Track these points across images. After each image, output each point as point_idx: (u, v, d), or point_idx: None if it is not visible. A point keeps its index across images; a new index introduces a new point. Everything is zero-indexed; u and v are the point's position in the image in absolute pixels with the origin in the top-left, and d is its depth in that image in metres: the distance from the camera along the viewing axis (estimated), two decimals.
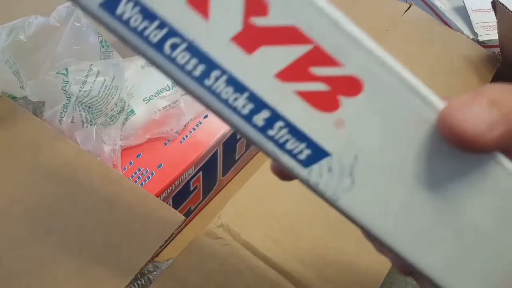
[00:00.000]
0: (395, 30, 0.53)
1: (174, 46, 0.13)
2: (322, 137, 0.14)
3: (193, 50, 0.13)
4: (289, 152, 0.14)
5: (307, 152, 0.14)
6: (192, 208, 0.44)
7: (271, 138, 0.14)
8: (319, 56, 0.13)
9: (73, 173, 0.32)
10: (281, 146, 0.14)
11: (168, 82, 0.40)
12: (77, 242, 0.28)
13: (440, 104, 0.14)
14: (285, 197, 0.34)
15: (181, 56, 0.13)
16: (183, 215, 0.30)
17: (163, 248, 0.31)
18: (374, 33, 0.57)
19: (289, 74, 0.13)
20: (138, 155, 0.39)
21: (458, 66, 0.52)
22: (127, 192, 0.31)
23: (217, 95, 0.13)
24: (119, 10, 0.12)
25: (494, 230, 0.15)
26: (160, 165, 0.39)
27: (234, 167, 0.48)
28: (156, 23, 0.13)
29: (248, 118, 0.14)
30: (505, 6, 0.49)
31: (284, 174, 0.19)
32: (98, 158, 0.36)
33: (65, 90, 0.35)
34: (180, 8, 0.13)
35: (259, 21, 0.13)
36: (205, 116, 0.43)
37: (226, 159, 0.45)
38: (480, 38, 0.57)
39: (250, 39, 0.13)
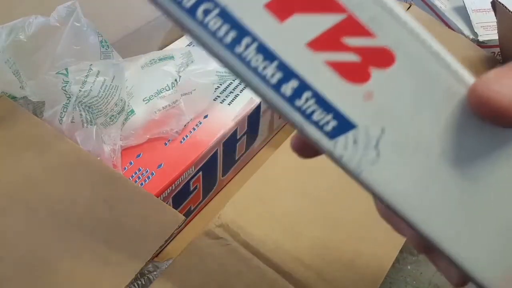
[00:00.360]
0: None
1: (206, 12, 0.13)
2: (350, 108, 0.14)
3: (226, 16, 0.13)
4: (316, 123, 0.14)
5: (333, 123, 0.14)
6: (192, 208, 0.44)
7: (298, 109, 0.14)
8: (353, 26, 0.13)
9: (73, 173, 0.32)
10: (308, 116, 0.14)
11: (168, 82, 0.40)
12: (77, 242, 0.28)
13: (471, 79, 0.14)
14: (285, 197, 0.34)
15: (213, 22, 0.13)
16: (183, 215, 0.30)
17: (163, 248, 0.31)
18: None
19: (320, 43, 0.13)
20: (138, 155, 0.39)
21: None
22: (127, 192, 0.31)
23: (247, 63, 0.13)
24: None
25: None
26: (160, 165, 0.39)
27: (234, 167, 0.48)
28: None
29: (276, 87, 0.14)
30: (505, 6, 0.49)
31: (304, 150, 0.19)
32: (98, 158, 0.36)
33: (65, 90, 0.35)
34: None
35: None
36: (205, 116, 0.43)
37: (226, 159, 0.45)
38: (480, 38, 0.57)
39: (283, 6, 0.13)
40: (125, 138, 0.39)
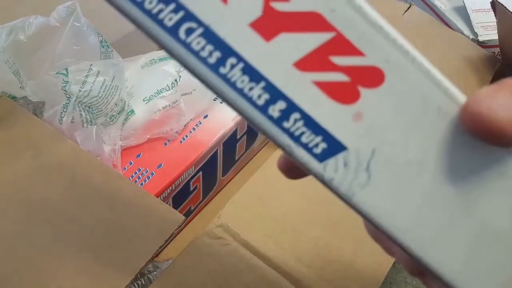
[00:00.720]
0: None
1: (189, 31, 0.12)
2: (340, 130, 0.13)
3: (210, 35, 0.12)
4: (305, 146, 0.13)
5: (323, 145, 0.13)
6: (192, 208, 0.44)
7: (286, 131, 0.13)
8: (341, 45, 0.13)
9: (73, 173, 0.32)
10: (296, 139, 0.13)
11: (168, 82, 0.40)
12: (77, 242, 0.28)
13: (462, 97, 0.14)
14: (285, 197, 0.34)
15: (196, 41, 0.12)
16: (183, 215, 0.30)
17: (163, 248, 0.31)
18: None
19: (308, 63, 0.13)
20: (138, 155, 0.39)
21: (458, 67, 0.52)
22: (127, 192, 0.31)
23: (232, 84, 0.13)
24: None
25: None
26: (160, 165, 0.39)
27: (234, 167, 0.48)
28: (171, 6, 0.12)
29: (264, 109, 0.13)
30: (505, 7, 0.49)
31: (291, 171, 0.18)
32: (98, 158, 0.36)
33: (65, 90, 0.35)
34: None
35: (280, 6, 0.12)
36: (205, 116, 0.43)
37: (226, 159, 0.45)
38: (480, 38, 0.58)
39: (269, 25, 0.12)
40: (125, 138, 0.39)
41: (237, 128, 0.43)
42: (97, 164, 0.33)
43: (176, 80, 0.40)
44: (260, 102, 0.13)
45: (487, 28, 0.58)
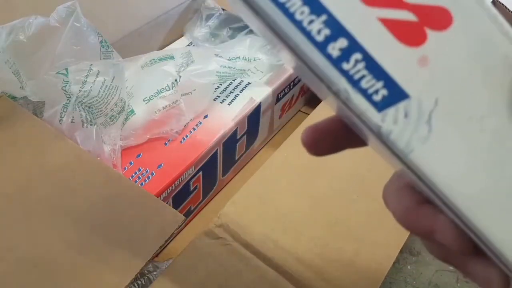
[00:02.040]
0: None
1: None
2: (404, 75, 0.12)
3: None
4: (364, 92, 0.12)
5: (383, 92, 0.12)
6: (192, 208, 0.44)
7: (345, 73, 0.12)
8: None
9: (73, 173, 0.32)
10: (356, 83, 0.12)
11: (168, 82, 0.40)
12: (77, 242, 0.28)
13: None
14: (285, 197, 0.34)
15: None
16: (183, 215, 0.30)
17: (163, 248, 0.31)
18: None
19: None
20: (138, 155, 0.39)
21: None
22: (127, 192, 0.31)
23: (290, 15, 0.12)
24: None
25: None
26: (160, 165, 0.39)
27: (234, 167, 0.48)
28: None
29: (322, 46, 0.12)
30: (505, 6, 0.49)
31: (316, 145, 0.16)
32: (98, 158, 0.36)
33: (65, 90, 0.35)
34: None
35: None
36: (205, 116, 0.43)
37: (226, 159, 0.45)
38: None
39: None
40: (125, 138, 0.39)
41: (237, 128, 0.43)
42: (97, 164, 0.33)
43: (176, 80, 0.40)
44: (320, 38, 0.12)
45: None
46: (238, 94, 0.45)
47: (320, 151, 0.16)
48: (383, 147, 0.13)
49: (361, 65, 0.12)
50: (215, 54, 0.44)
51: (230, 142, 0.43)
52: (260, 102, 0.45)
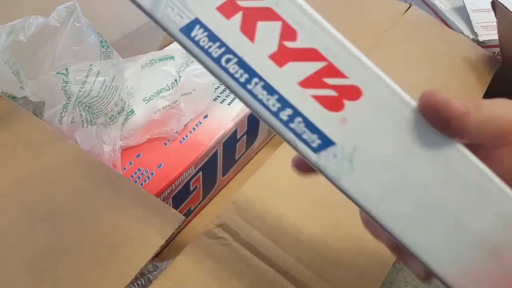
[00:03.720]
0: (395, 30, 0.53)
1: (228, 60, 0.18)
2: (330, 130, 0.18)
3: (241, 63, 0.18)
4: (305, 141, 0.19)
5: (318, 141, 0.19)
6: (192, 208, 0.44)
7: (292, 130, 0.19)
8: (332, 70, 0.18)
9: (73, 173, 0.32)
10: (299, 136, 0.19)
11: (168, 82, 0.40)
12: (77, 242, 0.28)
13: (413, 101, 0.19)
14: (285, 197, 0.34)
15: (232, 67, 0.18)
16: (183, 215, 0.30)
17: (163, 248, 0.31)
18: (374, 33, 0.57)
19: (308, 82, 0.18)
20: (138, 155, 0.39)
21: (458, 66, 0.52)
22: (127, 192, 0.31)
23: (255, 96, 0.19)
24: (192, 34, 0.18)
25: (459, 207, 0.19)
26: (160, 165, 0.39)
27: (234, 167, 0.48)
28: (217, 44, 0.18)
29: (276, 114, 0.19)
30: (505, 6, 0.49)
31: (302, 168, 0.23)
32: (98, 158, 0.36)
33: (65, 90, 0.35)
34: (235, 33, 0.18)
35: (290, 44, 0.18)
36: (205, 116, 0.43)
37: (226, 159, 0.45)
38: (480, 38, 0.58)
39: (282, 56, 0.18)
40: (125, 138, 0.39)
41: (237, 128, 0.43)
42: (97, 164, 0.33)
43: (176, 80, 0.40)
44: (274, 109, 0.19)
45: (487, 28, 0.58)
46: None
47: (305, 171, 0.23)
48: (323, 176, 0.19)
49: (302, 125, 0.19)
50: None
51: (230, 142, 0.43)
52: None
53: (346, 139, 0.18)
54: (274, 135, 0.54)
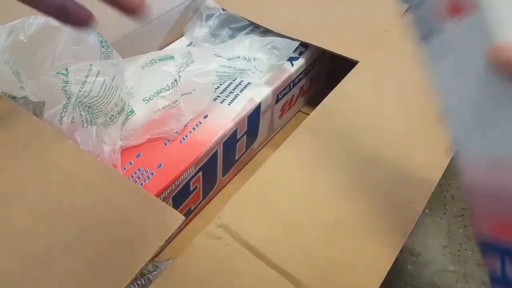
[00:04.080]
0: (395, 30, 0.53)
1: None
2: None
3: None
4: None
5: None
6: (192, 208, 0.44)
7: None
8: None
9: (73, 173, 0.32)
10: None
11: (168, 82, 0.40)
12: (77, 242, 0.28)
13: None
14: (285, 197, 0.34)
15: None
16: (183, 215, 0.30)
17: (163, 248, 0.31)
18: (374, 33, 0.57)
19: None
20: (138, 155, 0.39)
21: None
22: (127, 192, 0.31)
23: None
24: None
25: None
26: (160, 165, 0.39)
27: (234, 167, 0.48)
28: None
29: None
30: None
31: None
32: (98, 158, 0.36)
33: (65, 90, 0.35)
34: None
35: None
36: (205, 116, 0.43)
37: (226, 159, 0.45)
38: None
39: None
40: (125, 138, 0.39)
41: (237, 128, 0.43)
42: (97, 164, 0.33)
43: (176, 80, 0.40)
44: None
45: None
46: (238, 94, 0.45)
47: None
48: None
49: None
50: (215, 54, 0.44)
51: (230, 142, 0.43)
52: (260, 102, 0.45)
53: None
54: (274, 135, 0.54)
